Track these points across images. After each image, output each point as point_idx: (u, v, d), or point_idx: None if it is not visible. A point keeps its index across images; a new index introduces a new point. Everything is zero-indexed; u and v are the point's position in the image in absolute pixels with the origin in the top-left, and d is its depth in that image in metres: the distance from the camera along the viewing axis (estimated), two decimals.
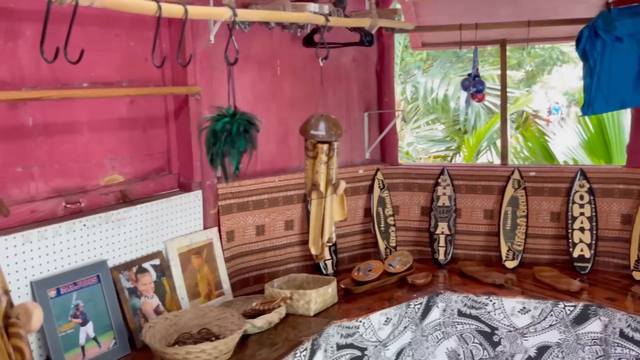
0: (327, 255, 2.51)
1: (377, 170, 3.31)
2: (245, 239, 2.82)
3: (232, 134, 1.95)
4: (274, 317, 2.34)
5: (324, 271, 2.99)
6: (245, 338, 2.22)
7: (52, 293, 1.99)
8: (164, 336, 2.17)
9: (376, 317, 2.56)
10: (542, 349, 2.67)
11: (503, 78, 3.60)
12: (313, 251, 2.35)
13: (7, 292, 1.15)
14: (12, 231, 1.91)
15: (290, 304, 2.45)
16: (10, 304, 1.15)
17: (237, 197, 2.78)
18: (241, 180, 2.77)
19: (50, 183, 2.11)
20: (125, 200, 2.37)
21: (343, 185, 2.29)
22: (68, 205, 2.15)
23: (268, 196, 2.89)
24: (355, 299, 2.70)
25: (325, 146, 2.28)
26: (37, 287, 1.94)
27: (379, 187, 3.29)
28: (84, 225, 2.12)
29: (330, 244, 2.51)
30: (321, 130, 2.25)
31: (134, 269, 2.30)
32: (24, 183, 2.03)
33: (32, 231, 1.95)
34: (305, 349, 2.23)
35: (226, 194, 2.74)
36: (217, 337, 2.18)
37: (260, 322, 2.28)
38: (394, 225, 3.30)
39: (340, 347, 2.45)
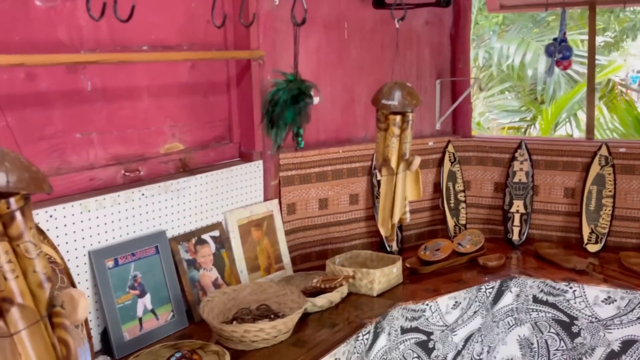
0: (394, 237, 2.34)
1: (448, 142, 3.10)
2: (307, 212, 2.71)
3: (278, 104, 1.83)
4: (336, 296, 2.22)
5: (388, 248, 2.84)
6: (304, 316, 2.12)
7: (110, 263, 1.94)
8: (222, 311, 2.10)
9: (444, 301, 2.40)
10: (628, 344, 2.44)
11: (591, 43, 3.27)
12: (382, 232, 2.19)
13: (50, 278, 1.06)
14: (70, 199, 1.87)
15: (352, 282, 2.32)
16: (53, 292, 1.06)
17: (298, 168, 2.66)
18: (303, 150, 2.64)
19: (110, 150, 2.05)
20: (185, 169, 2.29)
21: (418, 161, 2.10)
22: (127, 174, 2.09)
23: (331, 168, 2.75)
24: (421, 279, 2.55)
25: (398, 117, 2.09)
26: (94, 256, 1.89)
27: (450, 160, 3.08)
28: (143, 194, 2.06)
29: (404, 224, 2.35)
30: (394, 100, 2.06)
31: (193, 240, 2.23)
32: (83, 150, 1.97)
33: (90, 200, 1.89)
34: (368, 332, 2.11)
35: (288, 164, 2.62)
36: (276, 315, 2.10)
37: (321, 302, 2.17)
38: (465, 201, 3.10)
39: (404, 330, 2.31)
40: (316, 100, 2.34)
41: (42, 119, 1.85)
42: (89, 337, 1.77)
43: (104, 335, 1.92)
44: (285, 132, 1.87)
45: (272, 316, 2.07)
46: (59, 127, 1.89)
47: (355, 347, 2.04)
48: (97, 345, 1.93)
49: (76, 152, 1.95)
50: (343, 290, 2.26)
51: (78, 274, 1.87)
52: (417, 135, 3.05)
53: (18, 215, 1.06)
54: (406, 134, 2.09)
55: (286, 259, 2.57)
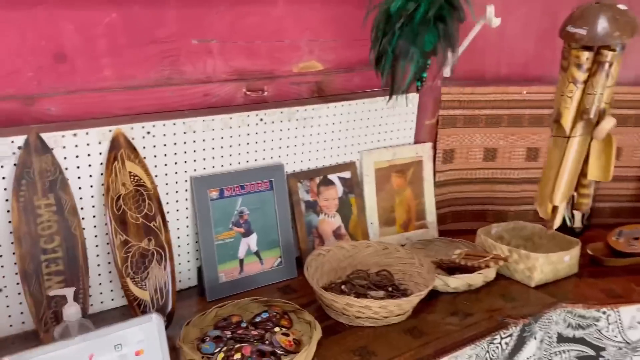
0: (558, 223, 1.74)
1: None
2: (468, 162, 2.20)
3: (413, 21, 1.28)
4: (477, 279, 1.74)
5: (568, 222, 2.23)
6: (433, 294, 1.70)
7: (214, 194, 1.70)
8: (334, 268, 1.77)
9: (629, 311, 1.78)
10: None
11: None
12: (540, 213, 1.64)
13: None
14: (175, 115, 1.63)
15: (505, 264, 1.82)
16: None
17: (465, 107, 2.13)
18: (475, 86, 2.10)
19: (231, 63, 1.76)
20: (320, 94, 1.93)
21: (609, 125, 1.44)
22: (249, 93, 1.79)
23: (509, 112, 2.17)
24: (604, 275, 1.93)
25: (585, 55, 1.44)
26: (196, 184, 1.66)
27: None
28: (261, 119, 1.75)
29: (581, 212, 1.74)
30: (583, 27, 1.40)
31: (317, 180, 1.90)
32: (199, 59, 1.70)
33: (196, 119, 1.64)
34: (511, 335, 1.62)
35: (452, 102, 2.11)
36: (396, 287, 1.71)
37: (456, 283, 1.72)
38: None
39: (563, 339, 1.77)
40: (496, 21, 1.78)
41: (154, 19, 1.59)
42: (173, 271, 1.56)
43: (200, 273, 1.72)
44: (419, 67, 1.34)
45: (390, 289, 1.69)
46: (172, 30, 1.63)
47: (488, 352, 1.58)
48: (193, 281, 1.74)
49: (191, 61, 1.69)
50: (489, 275, 1.77)
51: (177, 201, 1.66)
52: (630, 81, 2.27)
53: None
54: (596, 80, 1.43)
55: (431, 216, 2.12)
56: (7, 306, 1.44)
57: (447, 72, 2.06)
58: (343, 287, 1.68)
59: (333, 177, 1.93)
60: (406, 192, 2.08)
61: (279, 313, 1.54)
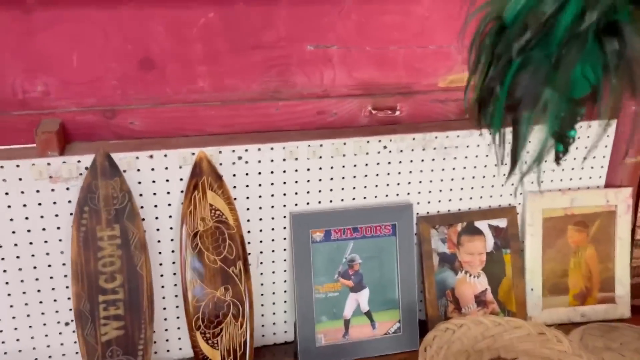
0: None
1: None
2: None
3: (552, 35, 0.62)
4: None
5: None
6: None
7: (318, 236, 1.36)
8: (466, 350, 1.33)
9: None
10: None
11: None
12: None
13: None
14: (274, 138, 1.33)
15: None
16: None
17: None
18: None
19: (356, 74, 1.41)
20: (472, 116, 1.47)
21: None
22: (375, 112, 1.43)
23: None
24: None
25: None
26: (295, 222, 1.34)
27: None
28: (385, 147, 1.37)
29: None
30: None
31: (459, 227, 1.46)
32: (315, 68, 1.38)
33: (300, 144, 1.31)
34: None
35: None
36: None
37: None
38: None
39: None
40: None
41: (260, 19, 1.31)
42: (251, 330, 1.27)
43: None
44: (561, 125, 0.69)
45: None
46: (282, 33, 1.33)
47: None
48: (290, 335, 1.44)
49: (304, 71, 1.37)
50: None
51: (273, 240, 1.36)
52: None
53: None
54: None
55: (622, 288, 1.54)
56: (75, 342, 1.28)
57: None
58: None
59: (482, 224, 1.47)
60: (587, 252, 1.53)
61: None
